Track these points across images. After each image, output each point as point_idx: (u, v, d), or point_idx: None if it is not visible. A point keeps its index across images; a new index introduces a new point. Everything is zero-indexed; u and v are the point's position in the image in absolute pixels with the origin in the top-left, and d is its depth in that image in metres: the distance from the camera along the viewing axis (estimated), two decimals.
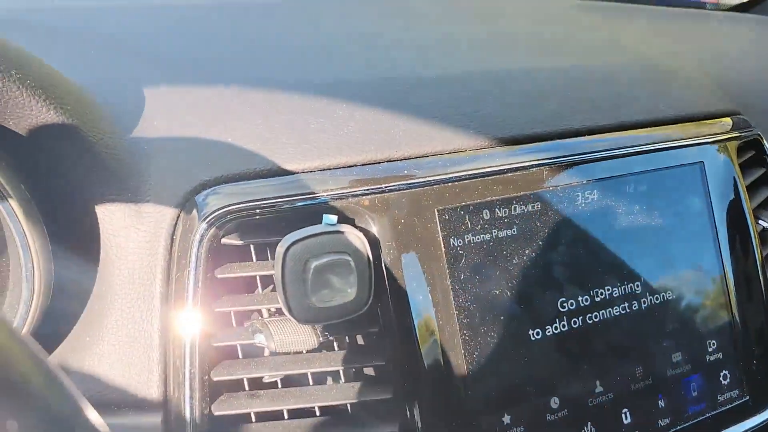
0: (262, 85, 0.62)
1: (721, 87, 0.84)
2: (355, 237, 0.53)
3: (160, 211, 0.54)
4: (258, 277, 0.57)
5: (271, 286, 0.57)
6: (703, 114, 0.77)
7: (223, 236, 0.55)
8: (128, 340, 0.54)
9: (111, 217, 0.55)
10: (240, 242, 0.55)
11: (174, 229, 0.55)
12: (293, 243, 0.51)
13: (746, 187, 0.76)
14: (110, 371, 0.54)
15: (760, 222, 0.78)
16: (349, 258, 0.52)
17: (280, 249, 0.51)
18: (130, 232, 0.55)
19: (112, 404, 0.54)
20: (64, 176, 0.55)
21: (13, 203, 0.53)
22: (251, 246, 0.56)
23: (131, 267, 0.55)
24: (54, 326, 0.57)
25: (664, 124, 0.73)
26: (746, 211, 0.74)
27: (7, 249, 0.54)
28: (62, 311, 0.57)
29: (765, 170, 0.81)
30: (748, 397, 0.71)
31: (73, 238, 0.58)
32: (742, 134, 0.77)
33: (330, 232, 0.52)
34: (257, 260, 0.56)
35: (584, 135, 0.67)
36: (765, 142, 0.81)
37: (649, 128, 0.71)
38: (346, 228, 0.53)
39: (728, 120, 0.78)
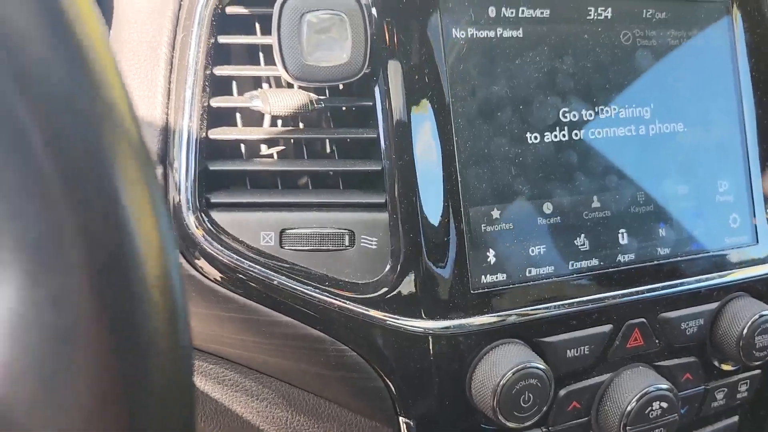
0: None
1: None
2: None
3: None
4: (261, 53, 0.59)
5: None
6: None
7: (228, 4, 0.56)
8: (134, 99, 0.57)
9: None
10: (245, 10, 0.57)
11: None
12: None
13: None
14: None
15: None
16: (345, 17, 0.53)
17: (278, 2, 0.52)
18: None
19: None
20: None
21: None
22: (256, 23, 0.58)
23: (140, 30, 0.57)
24: None
25: None
26: None
27: None
28: None
29: None
30: (758, 244, 0.69)
31: None
32: None
33: None
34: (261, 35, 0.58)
35: None
36: None
37: None
38: None
39: None
